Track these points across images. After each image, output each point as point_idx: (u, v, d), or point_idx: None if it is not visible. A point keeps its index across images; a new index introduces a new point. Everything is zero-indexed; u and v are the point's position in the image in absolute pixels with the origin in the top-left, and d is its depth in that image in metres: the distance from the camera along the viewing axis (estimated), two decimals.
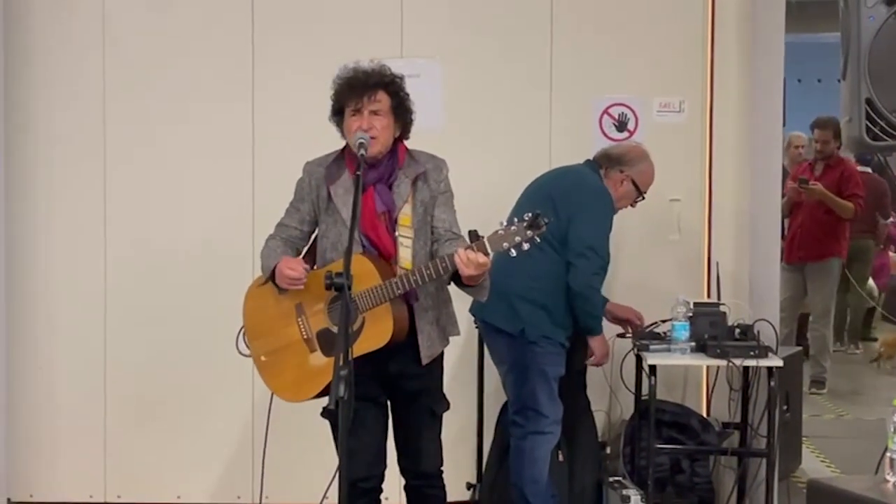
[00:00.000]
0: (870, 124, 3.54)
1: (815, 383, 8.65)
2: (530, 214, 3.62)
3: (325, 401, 3.96)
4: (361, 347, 3.80)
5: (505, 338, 4.93)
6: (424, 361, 3.98)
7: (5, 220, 5.72)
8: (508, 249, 3.63)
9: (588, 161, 5.05)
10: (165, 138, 5.73)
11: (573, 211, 4.79)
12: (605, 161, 5.01)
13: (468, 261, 3.64)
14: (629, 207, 5.08)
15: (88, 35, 5.73)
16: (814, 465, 6.65)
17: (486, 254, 3.65)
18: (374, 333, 3.85)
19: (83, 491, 5.80)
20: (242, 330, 4.16)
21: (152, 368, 5.73)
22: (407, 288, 3.80)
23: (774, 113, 5.48)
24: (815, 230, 8.23)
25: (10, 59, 5.72)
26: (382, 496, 4.19)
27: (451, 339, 4.16)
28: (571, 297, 4.79)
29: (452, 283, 3.90)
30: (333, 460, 3.92)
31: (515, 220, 3.64)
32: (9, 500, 5.80)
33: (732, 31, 5.60)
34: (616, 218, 5.24)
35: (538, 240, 3.64)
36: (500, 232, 3.64)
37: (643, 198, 5.06)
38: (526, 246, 3.62)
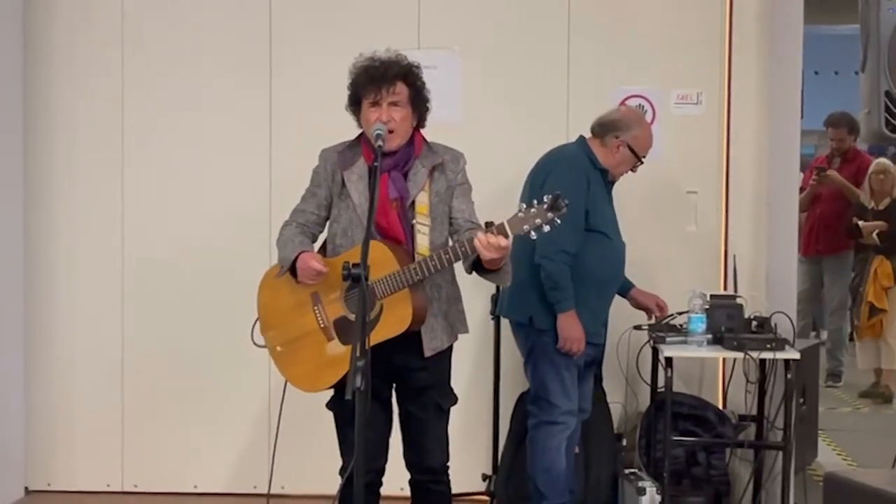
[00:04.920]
0: (889, 116, 3.53)
1: (831, 376, 8.64)
2: (549, 196, 3.60)
3: (331, 392, 4.03)
4: (381, 335, 3.79)
5: (520, 328, 4.95)
6: (427, 354, 3.96)
7: (24, 210, 5.75)
8: (529, 232, 3.61)
9: (580, 136, 5.00)
10: (183, 129, 5.76)
11: (542, 184, 4.77)
12: (600, 129, 4.93)
13: (489, 244, 3.62)
14: (631, 173, 4.97)
15: (107, 26, 5.76)
16: (830, 458, 6.65)
17: (507, 237, 3.63)
18: (394, 320, 3.83)
19: (100, 480, 5.84)
20: (257, 321, 4.14)
21: (170, 358, 5.77)
22: (426, 273, 3.78)
23: (792, 105, 5.47)
24: (832, 223, 8.22)
25: (30, 51, 5.76)
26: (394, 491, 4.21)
27: (463, 334, 4.15)
28: None
29: (474, 273, 3.88)
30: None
31: (535, 202, 3.61)
32: (26, 488, 5.84)
33: (750, 22, 5.59)
34: (633, 210, 5.25)
35: (559, 221, 3.61)
36: (520, 214, 3.62)
37: (642, 162, 4.95)
38: (546, 228, 3.60)
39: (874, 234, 7.87)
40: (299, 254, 3.94)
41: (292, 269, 3.97)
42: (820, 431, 6.58)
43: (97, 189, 5.81)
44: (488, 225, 3.68)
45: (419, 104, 4.01)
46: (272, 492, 5.60)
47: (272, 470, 4.46)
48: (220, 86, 5.75)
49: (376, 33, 5.13)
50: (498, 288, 5.25)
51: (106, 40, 5.76)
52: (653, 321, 5.17)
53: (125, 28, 5.76)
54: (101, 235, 5.81)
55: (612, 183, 4.97)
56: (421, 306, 3.88)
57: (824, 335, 8.86)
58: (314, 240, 4.11)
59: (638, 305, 5.16)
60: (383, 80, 3.91)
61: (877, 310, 7.94)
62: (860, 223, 7.98)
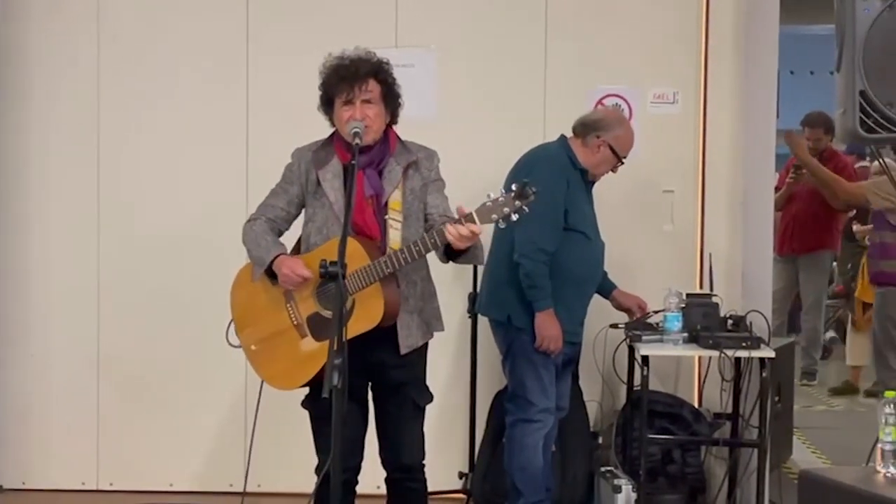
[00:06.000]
0: (864, 117, 3.52)
1: (805, 374, 8.68)
2: (516, 185, 3.60)
3: (306, 390, 4.02)
4: (353, 329, 3.76)
5: (498, 326, 4.96)
6: (403, 351, 3.95)
7: None
8: (498, 221, 3.61)
9: (562, 135, 5.01)
10: (159, 125, 5.76)
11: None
12: (581, 129, 4.94)
13: (461, 237, 3.63)
14: (611, 173, 4.99)
15: (83, 21, 5.74)
16: (804, 455, 6.68)
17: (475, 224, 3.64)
18: (365, 315, 3.82)
19: (75, 479, 5.81)
20: (231, 322, 4.14)
21: (145, 356, 5.75)
22: (397, 266, 3.78)
23: (768, 105, 5.50)
24: (807, 222, 8.24)
25: (5, 45, 5.73)
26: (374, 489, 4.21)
27: (440, 332, 4.15)
28: None
29: (451, 271, 3.88)
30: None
31: (503, 190, 3.62)
32: (1, 486, 5.81)
33: (727, 22, 5.61)
34: (610, 209, 5.25)
35: (527, 209, 3.60)
36: (487, 204, 3.62)
37: (622, 163, 4.96)
38: (515, 217, 3.60)
39: (866, 238, 7.97)
40: (277, 256, 3.94)
41: (269, 270, 3.97)
42: (794, 429, 6.62)
43: (72, 185, 5.79)
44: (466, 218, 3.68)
45: (391, 100, 4.01)
46: (248, 490, 5.62)
47: (248, 468, 4.45)
48: (197, 82, 5.74)
49: (353, 31, 5.14)
50: (476, 286, 5.26)
51: (81, 35, 5.75)
52: (633, 321, 5.18)
53: (101, 23, 5.74)
54: (76, 231, 5.79)
55: (592, 183, 4.98)
56: (392, 300, 3.87)
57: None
58: (279, 236, 4.11)
59: (619, 307, 5.17)
60: (355, 78, 3.92)
61: (868, 305, 8.03)
62: (855, 227, 8.08)
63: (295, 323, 3.98)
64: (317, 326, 3.92)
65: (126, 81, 5.75)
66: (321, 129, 4.11)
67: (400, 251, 3.78)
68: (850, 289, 8.27)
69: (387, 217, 3.93)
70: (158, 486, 5.75)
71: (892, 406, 3.62)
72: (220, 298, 4.22)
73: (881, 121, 3.53)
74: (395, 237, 3.91)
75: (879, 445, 3.66)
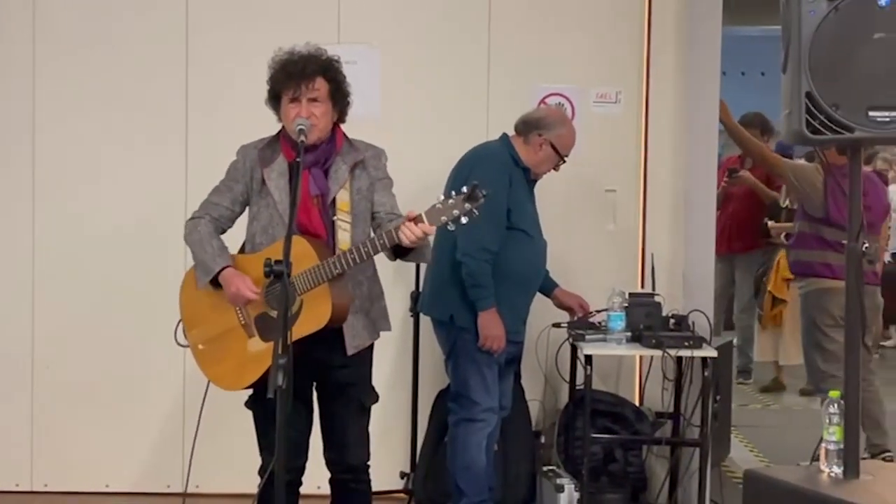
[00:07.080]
0: (809, 118, 3.53)
1: (741, 373, 8.76)
2: (467, 187, 3.57)
3: (250, 391, 3.98)
4: (300, 330, 3.73)
5: (441, 326, 4.95)
6: (350, 352, 3.93)
7: None
8: (447, 223, 3.59)
9: (504, 134, 5.00)
10: (96, 121, 5.66)
11: (465, 181, 4.74)
12: (523, 127, 4.94)
13: (417, 238, 3.61)
14: (553, 172, 4.99)
15: (19, 20, 5.64)
16: (742, 454, 6.75)
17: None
18: (313, 316, 3.79)
19: (9, 479, 5.71)
20: (180, 321, 4.09)
21: (80, 356, 5.66)
22: (345, 267, 3.74)
23: (710, 105, 5.53)
24: (744, 222, 8.32)
25: None
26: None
27: (387, 331, 4.13)
28: None
29: (395, 269, 3.86)
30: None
31: (453, 193, 3.60)
32: None
33: (670, 22, 5.64)
34: (552, 208, 5.26)
35: (476, 212, 3.58)
36: (438, 206, 3.60)
37: (564, 161, 4.97)
38: (465, 219, 3.58)
39: (782, 236, 8.04)
40: (225, 268, 3.91)
41: (213, 281, 3.93)
42: (732, 428, 6.67)
43: (7, 184, 5.68)
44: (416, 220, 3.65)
45: (339, 99, 3.98)
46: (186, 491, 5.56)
47: (189, 469, 4.37)
48: (135, 78, 5.65)
49: (295, 26, 5.07)
50: (418, 285, 5.24)
51: (17, 35, 5.64)
52: (574, 320, 5.18)
53: (37, 22, 5.64)
54: (10, 228, 5.68)
55: (535, 181, 4.99)
56: (341, 302, 3.84)
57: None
58: (223, 233, 4.06)
59: (561, 305, 5.18)
60: (302, 75, 3.88)
61: (778, 300, 8.13)
62: (770, 223, 8.15)
63: (243, 323, 3.94)
64: (264, 326, 3.88)
65: (63, 78, 5.66)
66: (261, 127, 4.07)
67: (349, 251, 3.75)
68: (761, 284, 8.36)
69: (335, 218, 3.89)
70: (94, 487, 5.67)
71: (835, 406, 3.65)
72: (156, 297, 4.18)
73: (827, 122, 3.55)
74: (344, 238, 3.87)
75: (823, 445, 3.69)
